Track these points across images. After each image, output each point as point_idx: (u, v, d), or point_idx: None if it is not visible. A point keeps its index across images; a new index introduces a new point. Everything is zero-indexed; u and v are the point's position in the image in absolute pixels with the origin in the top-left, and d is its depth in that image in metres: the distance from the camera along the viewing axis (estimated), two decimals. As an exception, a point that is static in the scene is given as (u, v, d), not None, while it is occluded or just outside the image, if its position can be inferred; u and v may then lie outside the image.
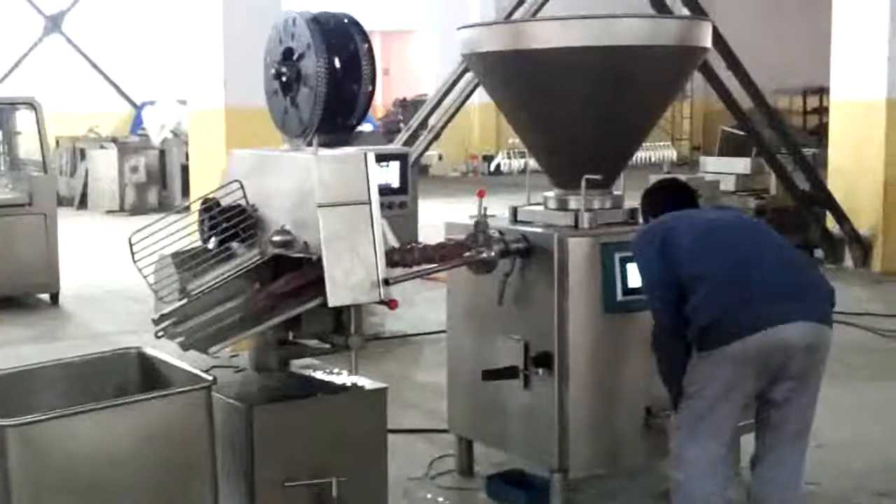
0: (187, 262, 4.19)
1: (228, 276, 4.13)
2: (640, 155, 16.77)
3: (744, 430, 4.65)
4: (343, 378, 4.41)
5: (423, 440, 5.98)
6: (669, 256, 4.22)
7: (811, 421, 4.28)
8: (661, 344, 4.30)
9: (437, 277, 5.45)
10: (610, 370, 4.82)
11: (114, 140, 18.51)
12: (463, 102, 10.90)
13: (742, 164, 12.89)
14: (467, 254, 4.73)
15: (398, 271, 4.33)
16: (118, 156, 17.51)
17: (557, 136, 5.11)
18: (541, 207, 5.20)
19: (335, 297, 3.95)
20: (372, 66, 4.40)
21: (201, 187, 7.71)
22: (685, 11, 10.05)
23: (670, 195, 4.64)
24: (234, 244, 4.21)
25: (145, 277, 4.14)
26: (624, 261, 4.71)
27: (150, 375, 4.12)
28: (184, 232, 4.18)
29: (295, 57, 4.39)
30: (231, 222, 4.16)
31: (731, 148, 13.96)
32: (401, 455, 5.38)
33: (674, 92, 5.41)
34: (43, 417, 3.56)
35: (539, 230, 4.90)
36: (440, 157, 21.09)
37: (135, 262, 4.07)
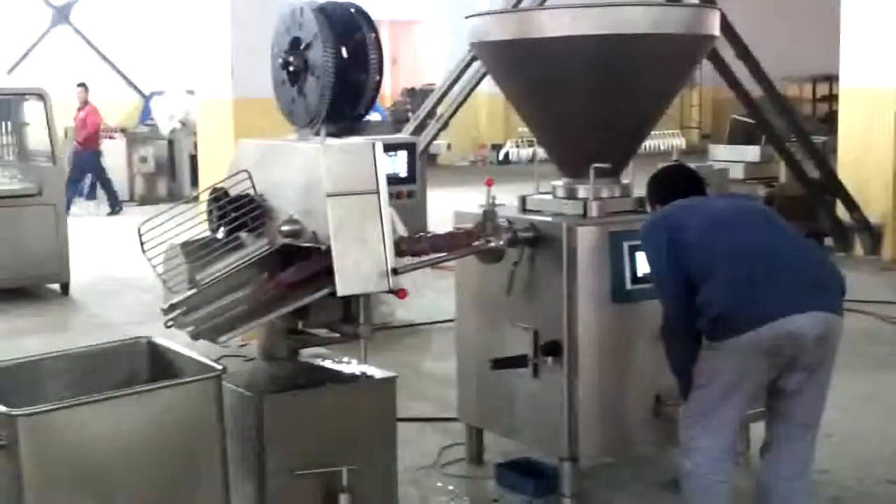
0: (196, 252, 4.19)
1: (237, 266, 4.13)
2: (649, 143, 16.72)
3: (754, 418, 4.65)
4: (352, 367, 4.41)
5: (433, 429, 5.99)
6: (677, 247, 4.18)
7: (821, 411, 4.26)
8: (670, 334, 4.28)
9: (445, 267, 5.44)
10: (619, 359, 4.82)
11: (122, 130, 18.53)
12: (471, 91, 10.90)
13: (751, 152, 12.87)
14: (476, 243, 4.73)
15: (407, 260, 4.33)
16: (127, 146, 17.57)
17: (565, 125, 5.10)
18: (549, 196, 5.20)
19: (344, 287, 3.95)
20: (379, 56, 4.39)
21: (210, 177, 7.71)
22: (694, -1, 10.02)
23: (676, 182, 4.60)
24: (243, 234, 4.21)
25: (154, 267, 4.15)
26: (633, 249, 4.71)
27: (159, 365, 4.13)
28: (193, 222, 4.18)
29: (302, 46, 4.39)
30: (240, 212, 4.16)
31: (741, 136, 13.93)
32: (410, 444, 5.40)
33: (682, 80, 5.39)
34: (53, 407, 3.57)
35: (548, 219, 4.90)
36: (449, 147, 21.06)
37: (144, 252, 4.08)
